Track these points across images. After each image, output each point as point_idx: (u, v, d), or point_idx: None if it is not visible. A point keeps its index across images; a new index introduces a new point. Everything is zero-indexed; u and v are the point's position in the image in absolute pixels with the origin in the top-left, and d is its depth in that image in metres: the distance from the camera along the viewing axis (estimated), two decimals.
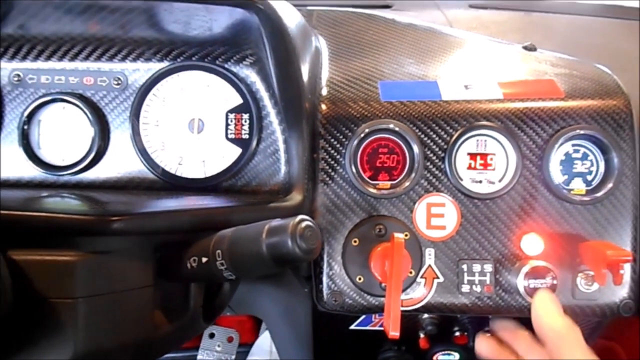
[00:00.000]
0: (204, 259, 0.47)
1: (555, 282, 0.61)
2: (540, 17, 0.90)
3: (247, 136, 0.68)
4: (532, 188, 0.64)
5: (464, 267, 0.63)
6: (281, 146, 0.67)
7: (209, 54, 0.68)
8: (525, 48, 0.76)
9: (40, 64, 0.69)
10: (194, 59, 0.68)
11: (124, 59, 0.68)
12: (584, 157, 0.65)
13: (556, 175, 0.64)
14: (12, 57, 0.69)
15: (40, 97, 0.68)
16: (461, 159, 0.64)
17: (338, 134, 0.64)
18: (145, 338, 0.50)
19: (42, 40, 0.67)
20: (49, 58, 0.69)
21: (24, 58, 0.69)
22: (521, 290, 0.61)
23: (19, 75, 0.69)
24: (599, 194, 0.63)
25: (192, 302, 0.56)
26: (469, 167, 0.64)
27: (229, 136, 0.68)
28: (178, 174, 0.68)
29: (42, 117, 0.69)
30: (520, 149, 0.63)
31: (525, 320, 0.69)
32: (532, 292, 0.61)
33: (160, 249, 0.51)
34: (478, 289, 0.63)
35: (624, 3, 0.95)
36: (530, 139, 0.64)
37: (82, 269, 0.45)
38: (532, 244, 0.63)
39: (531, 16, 0.90)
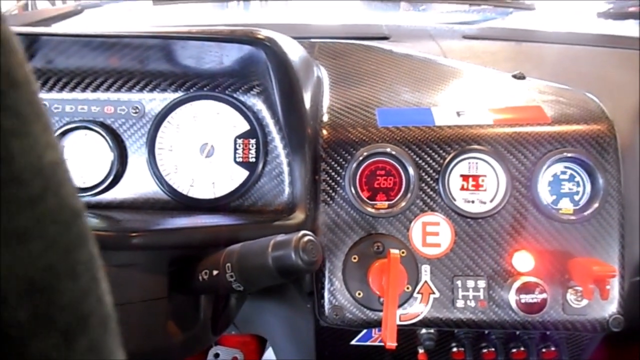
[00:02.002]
0: (215, 272, 0.51)
1: (545, 296, 0.63)
2: (530, 46, 0.93)
3: (253, 160, 0.71)
4: (522, 208, 0.66)
5: (459, 283, 0.66)
6: (285, 169, 0.71)
7: (220, 84, 0.72)
8: (515, 77, 0.78)
9: (65, 95, 0.74)
10: (205, 89, 0.72)
11: (141, 89, 0.73)
12: (571, 178, 0.68)
13: (545, 195, 0.67)
14: (40, 89, 0.74)
15: (65, 124, 0.73)
16: (454, 181, 0.67)
17: (338, 158, 0.67)
18: (158, 346, 0.54)
19: (67, 74, 0.73)
20: (73, 89, 0.74)
21: (50, 89, 0.74)
22: (513, 305, 0.64)
23: (45, 105, 0.74)
24: (586, 213, 0.65)
25: (202, 314, 0.59)
26: (462, 188, 0.67)
27: (237, 160, 0.72)
28: (190, 194, 0.71)
29: (65, 142, 0.73)
30: (510, 171, 0.66)
31: (515, 334, 0.72)
32: (523, 306, 0.64)
33: (174, 263, 0.55)
34: (472, 304, 0.65)
35: (613, 32, 0.99)
36: (519, 162, 0.66)
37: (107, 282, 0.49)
38: (523, 260, 0.65)
39: (521, 46, 0.93)
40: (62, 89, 0.74)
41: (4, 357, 0.15)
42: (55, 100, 0.74)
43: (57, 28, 1.00)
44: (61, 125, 0.73)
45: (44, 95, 0.74)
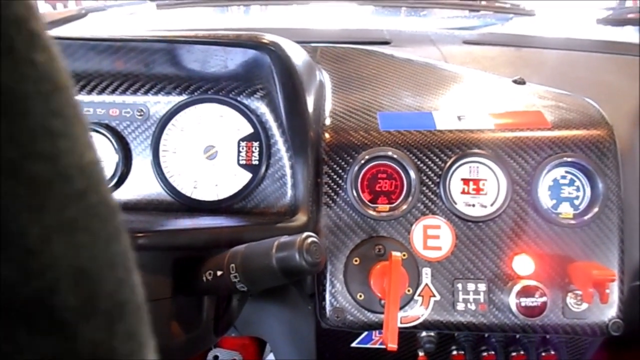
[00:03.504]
0: (219, 272, 0.52)
1: (545, 300, 0.64)
2: (530, 52, 0.94)
3: (256, 162, 0.72)
4: (522, 212, 0.67)
5: (459, 286, 0.66)
6: (288, 171, 0.71)
7: (224, 88, 0.73)
8: (515, 82, 0.79)
9: None
10: (209, 92, 0.73)
11: (146, 92, 0.74)
12: (571, 183, 0.68)
13: (545, 199, 0.67)
14: None
15: (89, 129, 0.73)
16: (455, 184, 0.68)
17: (340, 161, 0.67)
18: (161, 347, 0.54)
19: (73, 77, 0.72)
20: (79, 92, 0.74)
21: None
22: (513, 308, 0.64)
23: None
24: (585, 218, 0.66)
25: (205, 315, 0.60)
26: (463, 192, 0.68)
27: (240, 162, 0.72)
28: (193, 196, 0.72)
29: None
30: (510, 175, 0.67)
31: (515, 338, 0.72)
32: (523, 310, 0.64)
33: (178, 264, 0.56)
34: (473, 307, 0.66)
35: (612, 38, 1.00)
36: (520, 166, 0.67)
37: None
38: (523, 264, 0.66)
39: (521, 51, 0.94)
40: None
41: (58, 342, 0.16)
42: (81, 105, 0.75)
43: (61, 31, 1.00)
44: None
45: None
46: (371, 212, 0.67)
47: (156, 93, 0.74)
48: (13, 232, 0.16)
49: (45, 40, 0.18)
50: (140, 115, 0.74)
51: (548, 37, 1.02)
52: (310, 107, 0.68)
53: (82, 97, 0.75)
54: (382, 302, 0.65)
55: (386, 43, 0.95)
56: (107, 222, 0.19)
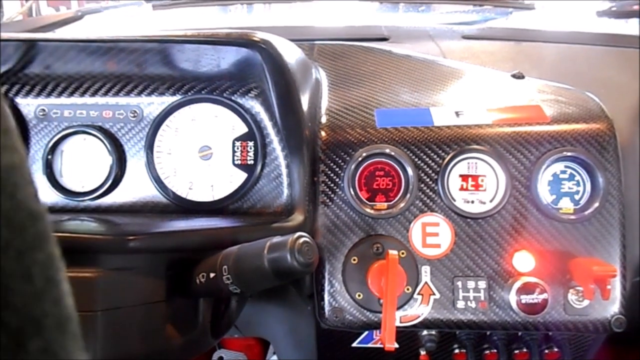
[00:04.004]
0: (212, 275, 0.51)
1: (546, 297, 0.63)
2: (530, 46, 0.93)
3: (252, 162, 0.71)
4: (522, 207, 0.66)
5: (459, 283, 0.65)
6: (284, 171, 0.71)
7: (217, 87, 0.72)
8: (514, 76, 0.78)
9: (63, 100, 0.74)
10: (203, 92, 0.73)
11: (139, 93, 0.73)
12: (571, 177, 0.67)
13: (545, 195, 0.66)
14: (38, 94, 0.74)
15: (63, 129, 0.73)
16: (453, 181, 0.67)
17: (337, 159, 0.67)
18: (157, 349, 0.54)
19: (65, 79, 0.73)
20: (71, 94, 0.74)
21: (49, 95, 0.74)
22: (514, 305, 0.63)
23: (44, 110, 0.74)
24: (586, 213, 0.65)
25: (201, 318, 0.59)
26: (461, 188, 0.67)
27: (236, 162, 0.72)
28: (189, 197, 0.72)
29: (64, 147, 0.74)
30: (509, 170, 0.66)
31: (517, 335, 0.71)
32: (524, 307, 0.63)
33: (173, 266, 0.55)
34: (473, 304, 0.65)
35: (612, 31, 0.99)
36: (519, 161, 0.66)
37: (102, 284, 0.49)
38: (524, 261, 0.65)
39: (521, 46, 0.93)
40: (60, 94, 0.74)
41: None
42: (54, 105, 0.75)
43: (56, 34, 1.00)
44: (60, 130, 0.74)
45: (43, 101, 0.75)
46: (369, 210, 0.66)
47: (149, 94, 0.73)
48: None
49: None
50: (134, 116, 0.73)
51: (548, 31, 1.01)
52: (305, 105, 0.67)
53: (75, 100, 0.75)
54: (381, 301, 0.64)
55: (384, 39, 0.94)
56: (23, 230, 0.17)
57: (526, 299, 0.63)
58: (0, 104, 0.17)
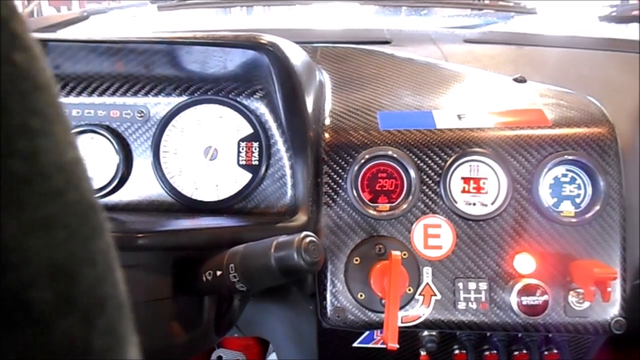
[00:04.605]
0: (218, 272, 0.52)
1: (547, 298, 0.64)
2: (531, 50, 0.94)
3: (256, 162, 0.72)
4: (523, 210, 0.66)
5: (460, 285, 0.66)
6: (288, 171, 0.72)
7: (223, 89, 0.73)
8: (516, 80, 0.79)
9: (72, 99, 0.75)
10: (209, 93, 0.73)
11: (146, 94, 0.74)
12: (572, 181, 0.68)
13: (546, 198, 0.67)
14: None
15: (72, 128, 0.74)
16: (455, 183, 0.67)
17: (340, 160, 0.67)
18: (162, 346, 0.55)
19: (74, 78, 0.74)
20: (80, 94, 0.75)
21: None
22: (514, 307, 0.64)
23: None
24: (587, 216, 0.66)
25: (206, 315, 0.60)
26: (463, 191, 0.67)
27: (240, 163, 0.73)
28: (194, 197, 0.72)
29: None
30: (511, 173, 0.66)
31: (517, 337, 0.72)
32: (525, 308, 0.64)
33: (178, 264, 0.56)
34: (474, 306, 0.66)
35: (614, 36, 0.99)
36: (520, 165, 0.67)
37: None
38: (525, 263, 0.65)
39: (522, 50, 0.94)
40: (69, 94, 0.75)
41: (33, 335, 0.17)
42: (63, 105, 0.75)
43: (63, 34, 1.01)
44: None
45: None
46: (371, 211, 0.67)
47: (156, 94, 0.74)
48: None
49: (26, 40, 0.18)
50: (141, 116, 0.74)
51: (549, 35, 1.02)
52: (310, 107, 0.68)
53: (83, 99, 0.75)
54: (383, 301, 0.65)
55: (387, 42, 0.95)
56: (86, 219, 0.19)
57: (527, 300, 0.64)
58: (61, 105, 0.19)
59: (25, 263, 0.16)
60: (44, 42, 0.63)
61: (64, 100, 0.75)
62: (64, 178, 0.18)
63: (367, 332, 0.80)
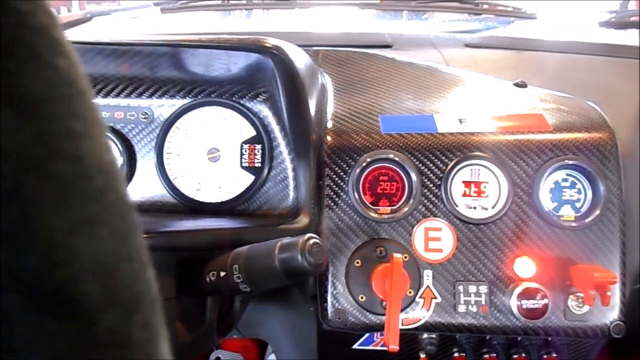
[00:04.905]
0: (222, 273, 0.52)
1: (546, 302, 0.64)
2: (532, 55, 0.94)
3: (259, 165, 0.72)
4: (524, 214, 0.67)
5: (460, 288, 0.66)
6: (290, 174, 0.72)
7: (227, 91, 0.74)
8: (516, 85, 0.79)
9: None
10: (213, 95, 0.74)
11: (151, 96, 0.74)
12: (573, 185, 0.68)
13: (546, 202, 0.67)
14: None
15: (107, 132, 0.75)
16: (456, 187, 0.68)
17: (342, 163, 0.68)
18: None
19: None
20: None
21: None
22: (514, 310, 0.64)
23: None
24: (587, 220, 0.66)
25: (208, 316, 0.60)
26: (464, 194, 0.68)
27: (243, 165, 0.73)
28: (197, 198, 0.72)
29: None
30: (512, 177, 0.67)
31: (516, 340, 0.72)
32: (524, 312, 0.64)
33: (181, 265, 0.56)
34: (474, 309, 0.66)
35: (614, 41, 1.00)
36: (521, 169, 0.67)
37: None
38: (525, 266, 0.66)
39: (523, 54, 0.95)
40: None
41: (82, 328, 0.18)
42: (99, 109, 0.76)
43: (69, 35, 1.01)
44: None
45: None
46: (373, 214, 0.67)
47: (160, 96, 0.74)
48: (39, 226, 0.17)
49: (66, 46, 0.19)
50: (145, 118, 0.74)
51: (550, 40, 1.02)
52: (313, 110, 0.69)
53: None
54: (384, 303, 0.65)
55: (388, 46, 0.96)
56: (124, 218, 0.20)
57: (527, 304, 0.64)
58: (98, 109, 0.20)
59: (73, 259, 0.17)
60: None
61: None
62: (104, 179, 0.19)
63: (367, 334, 0.81)
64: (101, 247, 0.18)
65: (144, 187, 0.74)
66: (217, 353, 1.12)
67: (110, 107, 0.75)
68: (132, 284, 0.19)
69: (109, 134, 0.74)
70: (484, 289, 0.66)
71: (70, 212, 0.17)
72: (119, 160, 0.74)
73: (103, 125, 0.20)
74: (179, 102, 0.74)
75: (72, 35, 1.04)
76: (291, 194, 0.72)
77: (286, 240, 0.50)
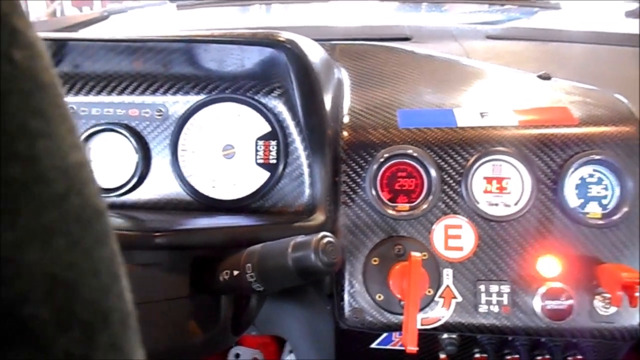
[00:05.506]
0: (235, 272, 0.52)
1: (572, 303, 0.62)
2: (556, 46, 0.92)
3: (274, 161, 0.72)
4: (548, 211, 0.65)
5: (482, 287, 0.65)
6: (305, 170, 0.71)
7: (241, 87, 0.73)
8: (540, 77, 0.77)
9: (91, 98, 0.76)
10: (227, 91, 0.73)
11: (165, 92, 0.74)
12: (599, 181, 0.66)
13: (572, 199, 0.65)
14: (67, 92, 0.76)
15: (91, 127, 0.75)
16: (477, 183, 0.66)
17: (359, 159, 0.67)
18: (179, 345, 0.55)
19: (94, 77, 0.74)
20: (99, 93, 0.76)
21: (77, 93, 0.76)
22: (538, 311, 0.62)
23: (72, 108, 0.76)
24: (614, 218, 0.64)
25: (223, 314, 0.60)
26: (485, 191, 0.66)
27: (258, 161, 0.72)
28: (211, 196, 0.72)
29: (92, 144, 0.75)
30: (535, 173, 0.65)
31: (540, 341, 0.70)
32: (549, 313, 0.62)
33: (196, 263, 0.56)
34: (495, 309, 0.64)
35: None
36: (545, 164, 0.65)
37: (128, 279, 0.50)
38: (549, 265, 0.64)
39: (547, 46, 0.92)
40: (88, 93, 0.76)
41: (30, 354, 0.16)
42: (82, 104, 0.76)
43: (83, 33, 1.02)
44: (88, 127, 0.75)
45: (71, 99, 0.76)
46: (390, 211, 0.66)
47: (174, 93, 0.74)
48: None
49: (28, 37, 0.17)
50: (159, 115, 0.74)
51: (574, 31, 0.99)
52: (328, 105, 0.68)
53: (102, 98, 0.76)
54: (402, 303, 0.64)
55: (407, 39, 0.94)
56: (90, 226, 0.18)
57: (551, 304, 0.62)
58: (66, 105, 0.18)
59: (20, 276, 0.15)
60: (65, 41, 0.64)
61: (83, 99, 0.76)
62: (66, 182, 0.17)
63: (385, 334, 0.79)
64: (57, 260, 0.16)
65: (159, 184, 0.74)
66: (236, 349, 1.12)
67: (124, 105, 0.76)
68: (96, 300, 0.17)
69: (123, 131, 0.74)
70: (506, 288, 0.65)
71: (21, 221, 0.15)
72: (134, 157, 0.74)
73: (70, 123, 0.18)
74: (193, 99, 0.74)
75: (88, 33, 1.05)
76: (307, 191, 0.71)
77: (300, 238, 0.49)
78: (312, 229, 0.61)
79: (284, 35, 0.62)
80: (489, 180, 0.67)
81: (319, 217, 0.64)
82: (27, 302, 0.15)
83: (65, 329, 0.16)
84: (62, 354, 0.16)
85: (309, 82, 0.64)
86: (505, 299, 0.64)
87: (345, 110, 0.71)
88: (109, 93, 0.75)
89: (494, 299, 0.65)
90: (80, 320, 0.17)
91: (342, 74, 0.79)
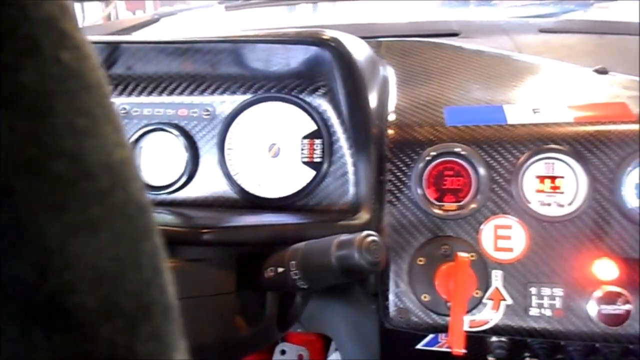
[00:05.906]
0: (280, 269, 0.52)
1: (629, 307, 0.59)
2: (613, 39, 0.87)
3: (319, 160, 0.72)
4: (604, 212, 0.62)
5: (533, 290, 0.63)
6: (350, 169, 0.71)
7: (286, 86, 0.74)
8: (596, 71, 0.74)
9: (143, 99, 0.79)
10: (272, 91, 0.74)
11: (212, 92, 0.76)
12: None
13: (630, 198, 0.62)
14: (120, 94, 0.79)
15: (143, 127, 0.78)
16: (529, 182, 0.64)
17: (404, 157, 0.66)
18: (226, 339, 0.56)
19: (145, 79, 0.77)
20: (150, 93, 0.78)
21: (130, 94, 0.79)
22: (593, 315, 0.60)
23: (125, 109, 0.79)
24: None
25: (269, 310, 0.61)
26: (537, 190, 0.64)
27: (303, 160, 0.73)
28: (257, 194, 0.73)
29: (143, 144, 0.78)
30: (591, 172, 0.62)
31: (595, 346, 0.67)
32: (604, 318, 0.60)
33: (242, 259, 0.57)
34: (547, 312, 0.62)
35: None
36: (602, 162, 0.62)
37: (177, 274, 0.51)
38: (605, 268, 0.61)
39: (603, 39, 0.87)
40: (140, 94, 0.79)
41: (74, 342, 0.16)
42: (135, 104, 0.79)
43: (136, 36, 1.06)
44: (139, 127, 0.78)
45: (125, 100, 0.79)
46: (437, 210, 0.65)
47: (222, 93, 0.76)
48: (31, 231, 0.16)
49: (76, 39, 0.18)
50: (207, 114, 0.76)
51: (632, 23, 0.94)
52: (373, 103, 0.67)
53: (153, 99, 0.79)
54: (448, 304, 0.63)
55: (454, 35, 0.92)
56: (134, 221, 0.18)
57: (607, 309, 0.59)
58: (112, 105, 0.19)
59: (67, 267, 0.16)
60: (119, 44, 0.67)
61: (135, 100, 0.79)
62: (110, 178, 0.18)
63: (431, 335, 0.78)
64: (102, 254, 0.17)
65: (206, 182, 0.76)
66: (282, 346, 1.14)
67: (174, 105, 0.78)
68: (140, 293, 0.18)
69: (173, 131, 0.76)
70: (559, 291, 0.62)
71: (67, 215, 0.16)
72: (183, 156, 0.76)
73: (115, 121, 0.19)
74: (239, 98, 0.75)
75: (140, 35, 1.09)
76: (351, 190, 0.71)
77: (343, 237, 0.49)
78: (356, 227, 0.61)
79: (328, 34, 0.62)
80: (541, 179, 0.64)
81: (364, 216, 0.63)
82: (73, 292, 0.16)
83: (109, 319, 0.17)
84: (106, 342, 0.17)
85: (354, 80, 0.64)
86: (557, 303, 0.62)
87: (391, 108, 0.70)
88: (160, 94, 0.78)
89: (546, 302, 0.63)
90: (123, 311, 0.17)
91: (388, 72, 0.79)
